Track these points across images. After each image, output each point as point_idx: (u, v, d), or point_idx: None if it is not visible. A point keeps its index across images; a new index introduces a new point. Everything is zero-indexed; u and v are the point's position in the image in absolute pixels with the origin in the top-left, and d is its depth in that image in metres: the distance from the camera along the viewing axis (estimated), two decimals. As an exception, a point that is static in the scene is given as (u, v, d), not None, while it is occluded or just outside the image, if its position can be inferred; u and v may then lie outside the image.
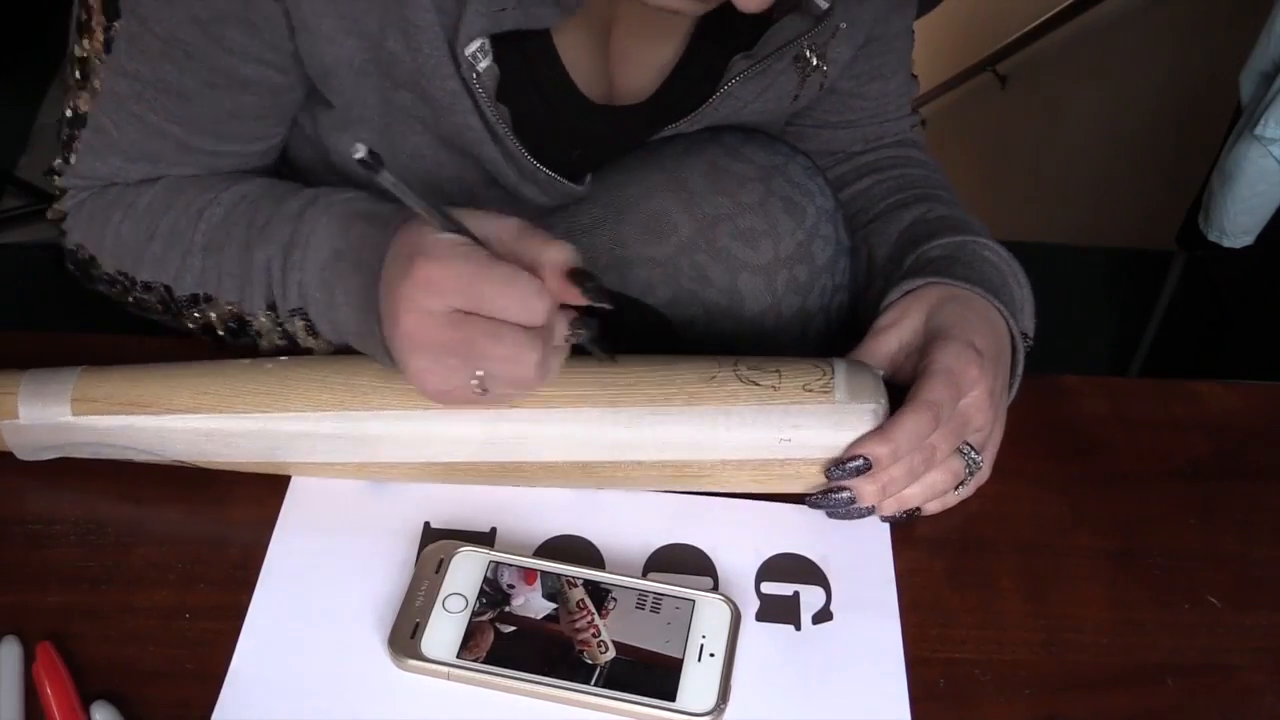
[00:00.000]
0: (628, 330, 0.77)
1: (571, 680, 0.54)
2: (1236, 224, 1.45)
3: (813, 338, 0.79)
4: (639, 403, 0.62)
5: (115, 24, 0.65)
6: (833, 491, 0.62)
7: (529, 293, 0.55)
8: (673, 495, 0.65)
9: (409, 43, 0.65)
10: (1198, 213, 1.51)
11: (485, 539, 0.63)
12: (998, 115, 2.75)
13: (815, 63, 0.77)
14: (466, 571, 0.58)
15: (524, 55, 0.70)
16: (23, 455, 0.64)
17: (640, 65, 0.76)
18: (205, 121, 0.69)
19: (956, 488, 0.65)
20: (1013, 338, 0.69)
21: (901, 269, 0.74)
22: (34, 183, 1.98)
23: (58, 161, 0.72)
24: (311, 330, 0.66)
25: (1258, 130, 1.35)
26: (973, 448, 0.64)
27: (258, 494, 0.64)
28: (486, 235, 0.57)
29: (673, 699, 0.54)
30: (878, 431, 0.61)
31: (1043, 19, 2.36)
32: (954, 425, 0.62)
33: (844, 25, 0.76)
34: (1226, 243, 1.47)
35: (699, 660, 0.55)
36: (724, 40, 0.75)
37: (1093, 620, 0.62)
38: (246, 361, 0.64)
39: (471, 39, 0.64)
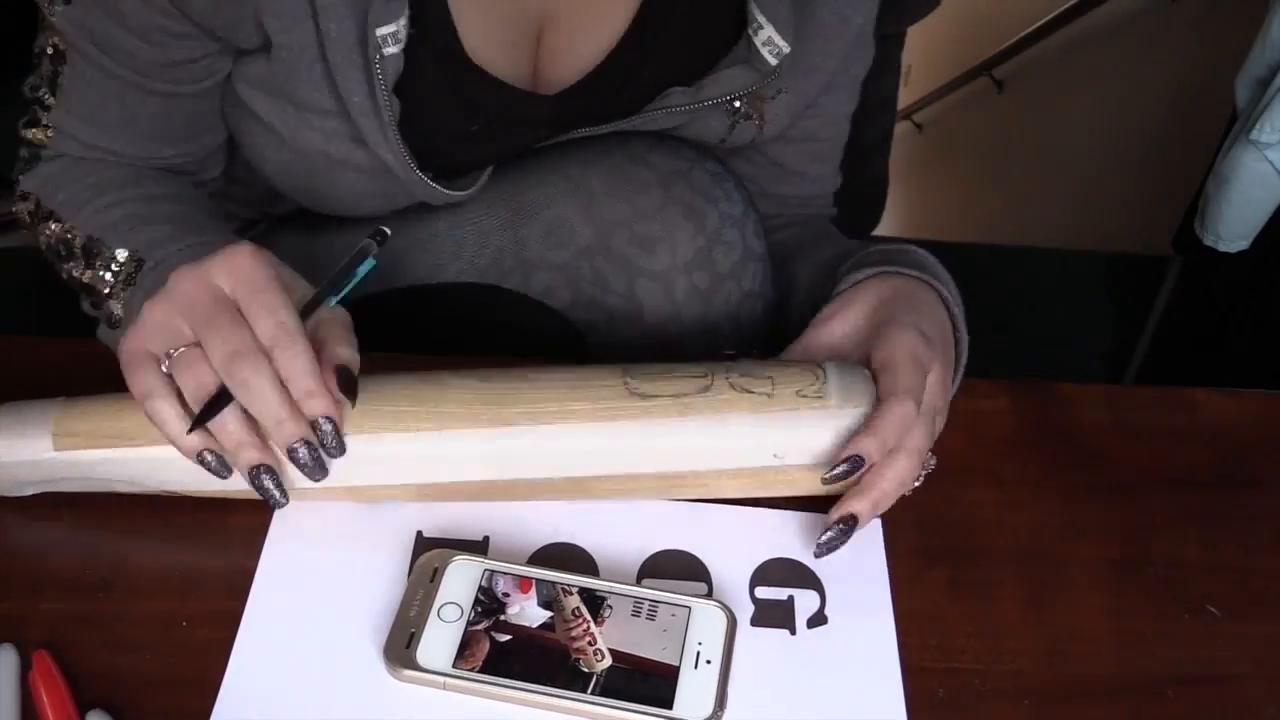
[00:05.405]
0: (532, 334, 0.77)
1: (568, 689, 0.54)
2: (1232, 229, 1.45)
3: (721, 345, 0.78)
4: (632, 415, 0.61)
5: None
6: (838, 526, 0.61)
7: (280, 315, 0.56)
8: (666, 502, 0.65)
9: (339, 23, 0.65)
10: (1193, 217, 1.51)
11: (478, 548, 0.62)
12: (994, 120, 2.76)
13: (749, 114, 0.77)
14: (461, 580, 0.58)
15: (420, 26, 0.68)
16: (3, 492, 0.63)
17: (568, 57, 0.74)
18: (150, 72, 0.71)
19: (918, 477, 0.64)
20: (955, 327, 0.68)
21: (836, 275, 0.72)
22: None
23: (45, 96, 0.78)
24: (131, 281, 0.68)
25: (1253, 135, 1.35)
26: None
27: (254, 501, 0.63)
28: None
29: (669, 706, 0.54)
30: (865, 428, 0.60)
31: (1039, 24, 2.37)
32: (926, 415, 0.62)
33: (785, 92, 0.76)
34: (1222, 247, 1.47)
35: (695, 667, 0.55)
36: (655, 52, 0.74)
37: (1092, 630, 0.61)
38: None
39: (384, 23, 0.64)
